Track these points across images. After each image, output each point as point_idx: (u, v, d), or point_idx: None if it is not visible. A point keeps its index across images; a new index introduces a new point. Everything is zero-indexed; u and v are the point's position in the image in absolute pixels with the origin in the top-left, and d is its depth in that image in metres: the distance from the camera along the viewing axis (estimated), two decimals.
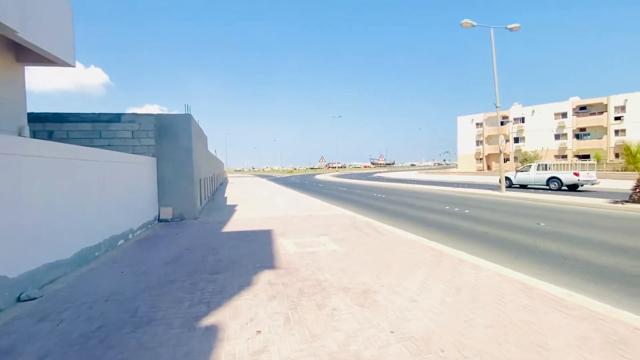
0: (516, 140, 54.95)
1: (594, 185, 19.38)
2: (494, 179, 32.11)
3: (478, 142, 59.95)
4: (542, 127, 51.64)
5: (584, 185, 19.15)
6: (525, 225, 9.41)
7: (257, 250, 6.62)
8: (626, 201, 12.17)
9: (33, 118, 9.13)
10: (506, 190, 18.55)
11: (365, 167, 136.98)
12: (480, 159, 59.40)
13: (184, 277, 5.00)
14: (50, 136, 9.63)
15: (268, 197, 18.64)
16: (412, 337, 3.20)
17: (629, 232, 8.26)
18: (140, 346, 3.09)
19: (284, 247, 6.91)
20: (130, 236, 8.00)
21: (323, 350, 3.00)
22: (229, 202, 16.33)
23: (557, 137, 50.51)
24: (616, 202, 12.40)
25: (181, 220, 10.68)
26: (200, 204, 13.12)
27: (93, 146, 8.68)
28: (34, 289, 4.35)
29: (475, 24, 17.19)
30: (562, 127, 49.75)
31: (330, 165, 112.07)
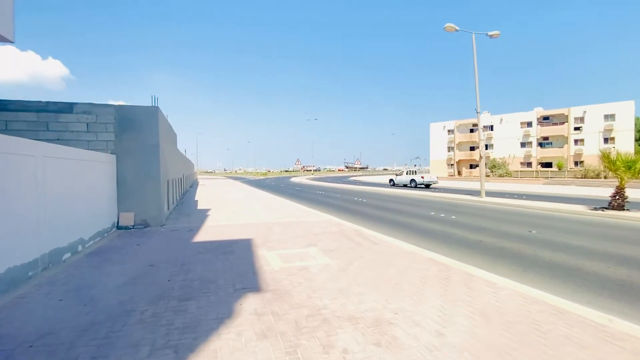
0: (485, 147, 57.01)
1: (436, 185, 29.82)
2: (466, 185, 32.74)
3: (449, 149, 61.61)
4: (509, 135, 53.94)
5: (431, 186, 29.01)
6: (517, 233, 9.05)
7: (236, 266, 5.60)
8: (605, 208, 12.32)
9: None
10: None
11: (339, 170, 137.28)
12: (452, 164, 61.05)
13: (145, 306, 3.92)
14: None
15: (243, 201, 17.42)
16: None
17: (622, 240, 8.09)
18: None
19: (268, 261, 5.94)
20: (80, 248, 6.66)
21: None
22: (200, 206, 14.97)
23: (522, 145, 52.92)
24: (595, 208, 12.52)
25: (145, 227, 9.33)
26: (168, 209, 11.76)
27: (38, 140, 7.22)
28: None
29: (458, 28, 17.12)
30: (527, 135, 52.22)
31: (306, 168, 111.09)
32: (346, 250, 6.72)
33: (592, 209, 12.46)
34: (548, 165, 49.95)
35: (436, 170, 64.16)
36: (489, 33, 18.03)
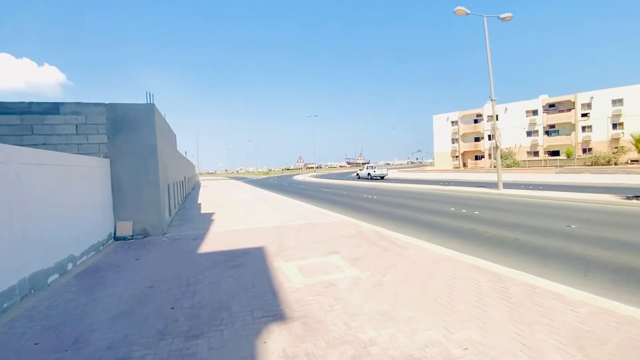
0: (489, 137, 55.90)
1: (390, 175, 37.78)
2: (474, 177, 31.78)
3: (454, 140, 60.47)
4: (514, 125, 52.75)
5: (384, 177, 35.68)
6: (555, 229, 8.19)
7: (251, 284, 4.76)
8: (638, 196, 11.43)
9: None
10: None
11: (340, 166, 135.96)
12: (456, 156, 59.98)
13: (142, 349, 3.08)
14: None
15: (249, 202, 16.57)
16: None
17: None
18: None
19: (287, 276, 5.10)
20: (70, 267, 5.83)
21: None
22: (203, 210, 14.14)
23: (529, 134, 51.75)
24: (628, 197, 11.64)
25: (145, 237, 8.51)
26: (170, 215, 10.93)
27: (23, 145, 6.36)
28: None
29: (468, 11, 16.16)
30: (533, 124, 51.03)
31: (308, 165, 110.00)
32: (373, 258, 5.88)
33: (625, 199, 11.56)
34: (555, 153, 48.82)
35: (441, 162, 63.16)
36: (501, 16, 17.05)
